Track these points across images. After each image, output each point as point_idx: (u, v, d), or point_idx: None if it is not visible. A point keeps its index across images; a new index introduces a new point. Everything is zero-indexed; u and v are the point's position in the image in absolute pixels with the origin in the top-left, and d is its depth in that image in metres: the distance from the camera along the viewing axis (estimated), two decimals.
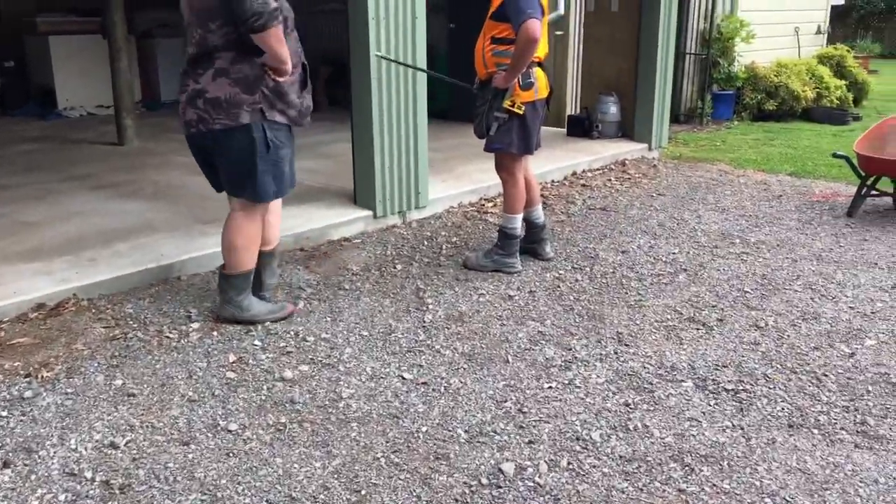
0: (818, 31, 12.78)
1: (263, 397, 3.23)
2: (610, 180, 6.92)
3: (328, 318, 3.98)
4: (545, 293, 4.38)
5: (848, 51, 12.39)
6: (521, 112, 4.38)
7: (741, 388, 3.36)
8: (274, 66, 3.45)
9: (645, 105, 7.67)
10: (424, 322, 3.96)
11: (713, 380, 3.42)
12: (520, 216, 4.63)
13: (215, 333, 3.78)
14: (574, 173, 6.97)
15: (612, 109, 7.88)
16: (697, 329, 3.94)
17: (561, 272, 4.70)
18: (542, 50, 4.41)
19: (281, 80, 3.49)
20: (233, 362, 3.51)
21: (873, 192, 6.05)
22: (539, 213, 4.85)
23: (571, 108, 9.27)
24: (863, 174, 5.96)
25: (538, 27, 4.09)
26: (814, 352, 3.70)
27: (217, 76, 3.45)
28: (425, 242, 5.18)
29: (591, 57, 8.19)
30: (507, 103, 4.36)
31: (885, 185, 6.24)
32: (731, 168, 7.73)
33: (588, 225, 5.67)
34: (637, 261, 4.93)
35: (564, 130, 8.36)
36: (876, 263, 4.93)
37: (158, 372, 3.42)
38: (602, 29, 8.02)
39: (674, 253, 5.09)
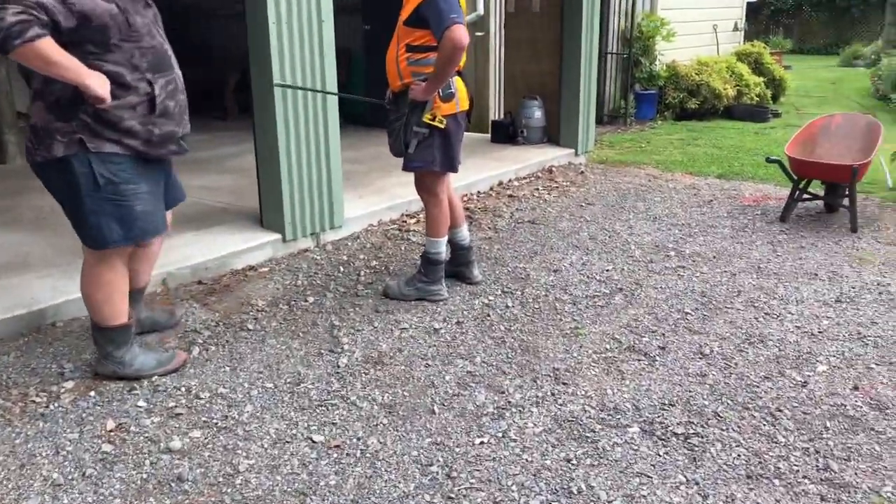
0: (735, 29, 12.81)
1: (145, 475, 2.71)
2: (538, 189, 6.57)
3: (227, 368, 3.47)
4: (474, 324, 3.97)
5: (764, 47, 12.45)
6: (442, 126, 3.96)
7: (692, 430, 3.01)
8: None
9: (570, 109, 7.36)
10: (339, 367, 3.49)
11: (661, 422, 3.07)
12: (444, 240, 4.21)
13: (92, 394, 3.22)
14: (501, 183, 6.60)
15: (537, 114, 7.54)
16: (639, 360, 3.59)
17: (490, 298, 4.30)
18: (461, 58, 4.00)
19: (102, 105, 2.81)
20: (111, 430, 2.97)
21: (805, 196, 5.87)
22: (464, 234, 4.44)
23: (495, 113, 8.92)
24: (795, 178, 5.76)
25: (464, 34, 3.67)
26: (765, 382, 3.39)
27: (35, 99, 2.87)
28: (341, 268, 4.70)
29: (514, 59, 7.84)
30: (426, 117, 3.93)
31: (816, 187, 6.08)
32: (658, 172, 7.49)
33: (517, 241, 5.29)
34: (570, 281, 4.57)
35: (489, 137, 7.98)
36: (816, 274, 4.70)
37: (18, 449, 2.85)
38: (523, 30, 7.67)
39: (608, 270, 4.75)
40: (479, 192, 6.34)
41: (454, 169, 4.13)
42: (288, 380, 3.37)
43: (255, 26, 4.54)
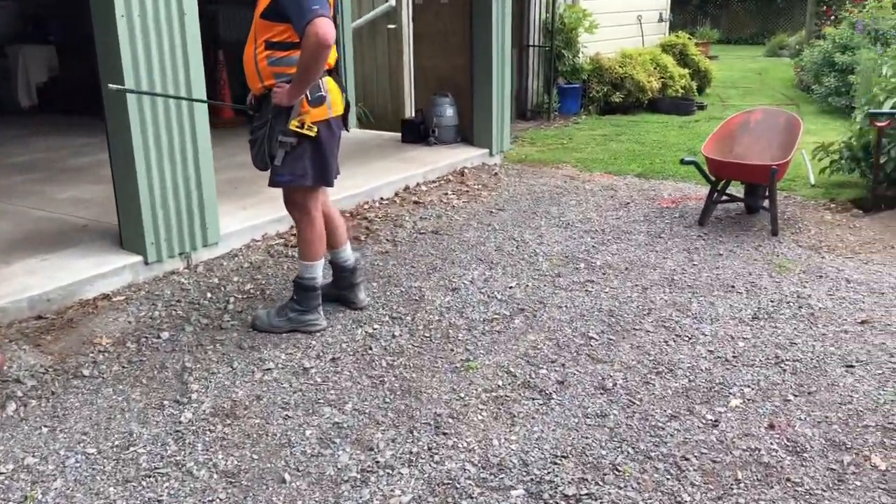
0: (660, 20, 12.55)
1: None
2: (446, 194, 6.09)
3: (44, 429, 2.90)
4: (352, 359, 3.47)
5: (689, 38, 12.22)
6: (313, 134, 3.44)
7: (584, 491, 2.58)
8: None
9: (483, 106, 6.90)
10: (181, 423, 2.95)
11: (550, 481, 2.62)
12: (319, 263, 3.69)
13: None
14: (407, 188, 6.10)
15: (449, 112, 7.06)
16: (533, 399, 3.15)
17: (376, 326, 3.80)
18: (331, 56, 3.48)
19: None
20: None
21: (724, 198, 5.53)
22: (347, 254, 3.93)
23: (411, 111, 8.42)
24: (713, 179, 5.41)
25: (329, 28, 3.16)
26: (671, 423, 2.98)
27: None
28: (209, 294, 4.15)
29: (424, 54, 7.34)
30: (293, 124, 3.40)
31: (736, 187, 5.75)
32: (577, 171, 7.10)
33: (416, 255, 4.80)
34: (469, 301, 4.11)
35: (400, 136, 7.46)
36: (733, 286, 4.34)
37: None
38: (433, 22, 7.18)
39: (511, 287, 4.31)
40: (382, 198, 5.84)
41: (329, 182, 3.62)
42: (116, 442, 2.82)
43: (101, 21, 3.94)
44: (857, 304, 4.09)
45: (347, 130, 3.79)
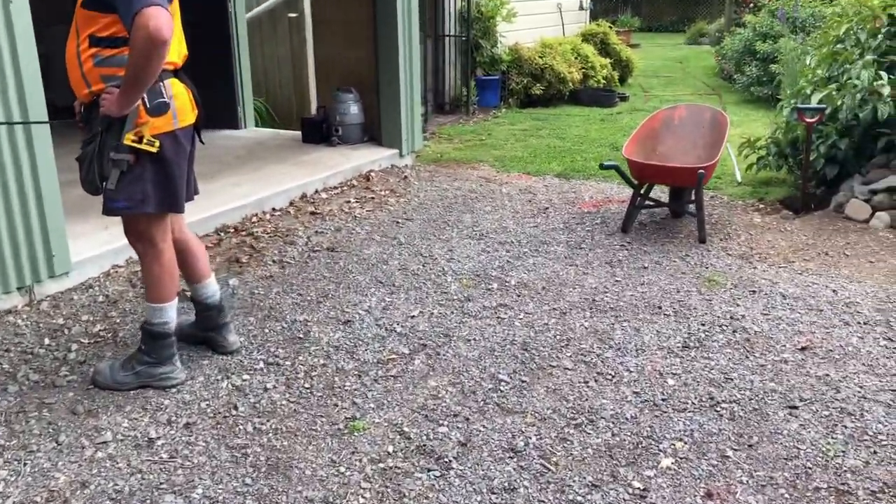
0: (581, 8, 12.14)
1: None
2: (349, 202, 5.47)
3: None
4: (211, 424, 2.84)
5: (610, 27, 11.85)
6: (154, 150, 2.79)
7: None
8: None
9: (390, 102, 6.29)
10: None
11: None
12: (172, 304, 3.04)
13: None
14: (304, 196, 5.45)
15: (353, 109, 6.43)
16: (429, 469, 2.59)
17: (246, 376, 3.18)
18: (175, 51, 2.83)
19: None
20: None
21: (648, 203, 5.08)
22: (211, 289, 3.29)
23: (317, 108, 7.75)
24: (636, 182, 4.95)
25: (164, 20, 2.50)
26: (592, 494, 2.47)
27: None
28: (49, 340, 3.44)
29: (326, 45, 6.67)
30: (128, 138, 2.74)
31: (663, 189, 5.32)
32: (494, 172, 6.57)
33: (306, 279, 4.18)
34: (362, 337, 3.52)
35: (301, 136, 6.79)
36: (660, 307, 3.87)
37: None
38: (334, 9, 6.52)
39: (413, 317, 3.74)
40: (274, 209, 5.18)
41: (177, 208, 2.96)
42: None
43: None
44: (794, 324, 3.68)
45: (202, 142, 3.13)
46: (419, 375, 3.20)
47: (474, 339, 3.51)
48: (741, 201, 5.75)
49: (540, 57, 9.97)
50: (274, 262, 4.38)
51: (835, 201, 5.35)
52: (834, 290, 4.07)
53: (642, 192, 5.00)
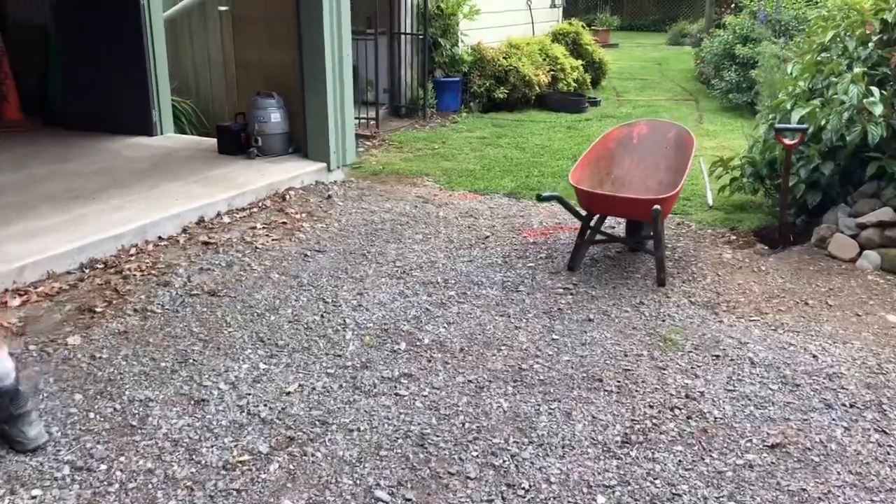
0: (552, 5, 11.34)
1: None
2: (254, 228, 4.66)
3: None
4: None
5: (583, 27, 11.07)
6: None
7: None
8: None
9: (316, 110, 5.48)
10: None
11: None
12: None
13: None
14: (202, 221, 4.64)
15: (275, 117, 5.61)
16: None
17: (37, 491, 2.38)
18: None
19: None
20: None
21: (600, 237, 4.31)
22: (3, 369, 2.49)
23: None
24: (584, 214, 4.18)
25: None
26: None
27: None
28: None
29: (247, 44, 5.83)
30: None
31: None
32: (437, 190, 5.77)
33: (168, 337, 3.37)
34: (213, 425, 2.73)
35: (217, 146, 5.96)
36: (600, 379, 3.10)
37: None
38: (255, 5, 5.68)
39: (288, 393, 2.95)
40: (160, 238, 4.36)
41: None
42: None
43: None
44: (765, 406, 2.92)
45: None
46: (271, 489, 2.41)
47: (359, 430, 2.73)
48: (711, 230, 4.99)
49: (504, 58, 9.17)
50: (136, 311, 3.56)
51: (816, 234, 4.61)
52: (814, 355, 3.32)
53: (592, 223, 4.22)
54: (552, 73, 9.65)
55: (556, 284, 4.04)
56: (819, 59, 4.85)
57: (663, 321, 3.65)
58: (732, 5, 11.81)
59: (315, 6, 5.23)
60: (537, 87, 9.26)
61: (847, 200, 4.67)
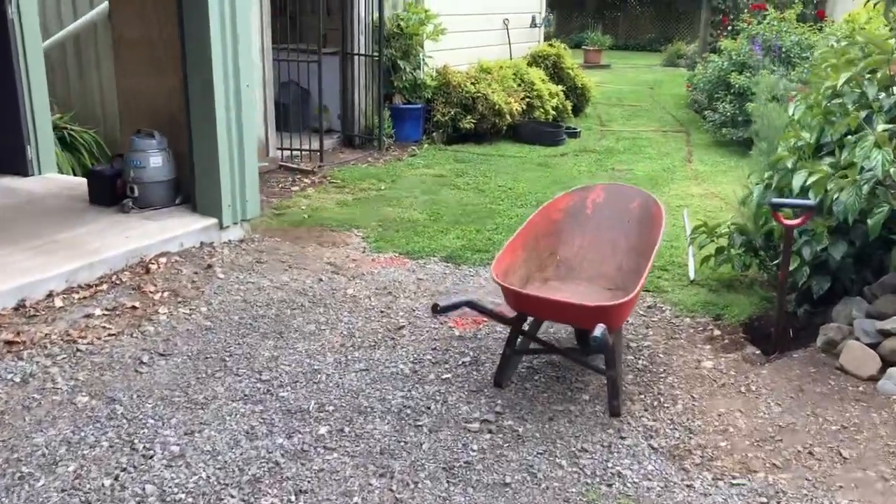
0: (533, 25, 10.25)
1: None
2: (89, 318, 3.53)
3: None
4: None
5: (565, 48, 9.96)
6: None
7: None
8: None
9: (205, 153, 4.38)
10: None
11: None
12: None
13: None
14: (22, 305, 3.52)
15: (156, 160, 4.49)
16: None
17: None
18: None
19: None
20: None
21: (534, 347, 3.18)
22: None
23: None
24: (514, 317, 3.06)
25: None
26: None
27: None
28: None
29: (128, 72, 4.71)
30: None
31: None
32: (359, 252, 4.66)
33: None
34: None
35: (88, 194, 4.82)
36: None
37: None
38: (136, 24, 4.58)
39: None
40: None
41: None
42: None
43: None
44: None
45: None
46: None
47: None
48: (689, 318, 3.88)
49: (472, 83, 8.07)
50: None
51: (824, 334, 3.49)
52: None
53: (526, 327, 3.11)
54: (528, 100, 8.55)
55: (472, 413, 2.92)
56: (829, 107, 3.73)
57: (610, 486, 2.54)
58: (729, 27, 10.72)
59: (201, 25, 4.13)
60: (509, 117, 8.15)
61: (864, 292, 3.55)
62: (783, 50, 8.26)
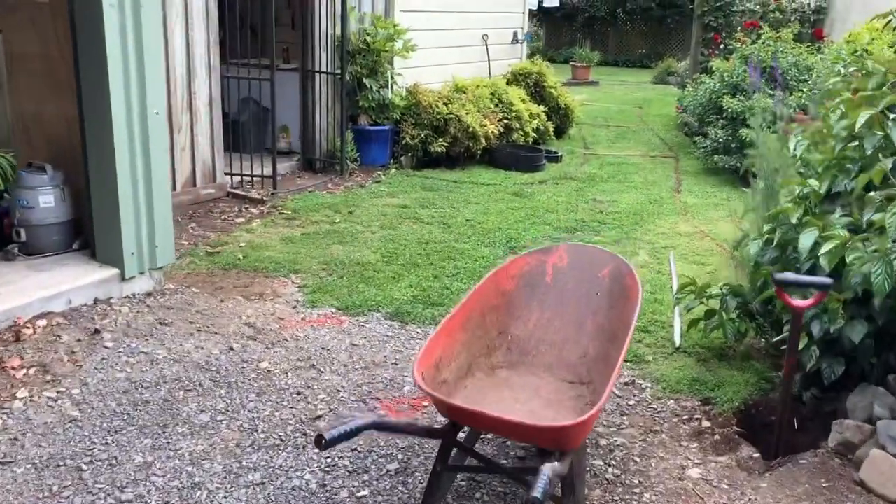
0: (515, 41, 9.58)
1: None
2: None
3: None
4: None
5: (547, 66, 9.29)
6: None
7: None
8: None
9: (103, 190, 3.66)
10: None
11: None
12: None
13: None
14: None
15: (47, 199, 3.76)
16: None
17: None
18: None
19: None
20: None
21: (472, 461, 2.46)
22: None
23: None
24: (445, 426, 2.34)
25: None
26: None
27: None
28: None
29: (22, 93, 3.99)
30: None
31: None
32: (290, 306, 3.94)
33: None
34: None
35: None
36: None
37: None
38: (30, 39, 3.86)
39: None
40: None
41: None
42: None
43: None
44: None
45: None
46: None
47: None
48: (673, 402, 3.19)
49: (444, 104, 7.38)
50: None
51: (837, 433, 2.80)
52: None
53: (462, 437, 2.40)
54: (506, 121, 7.87)
55: None
56: (844, 152, 3.04)
57: None
58: (721, 46, 10.07)
59: (94, 37, 3.41)
60: (484, 140, 7.46)
61: (888, 381, 2.87)
62: (781, 71, 7.60)
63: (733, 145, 7.31)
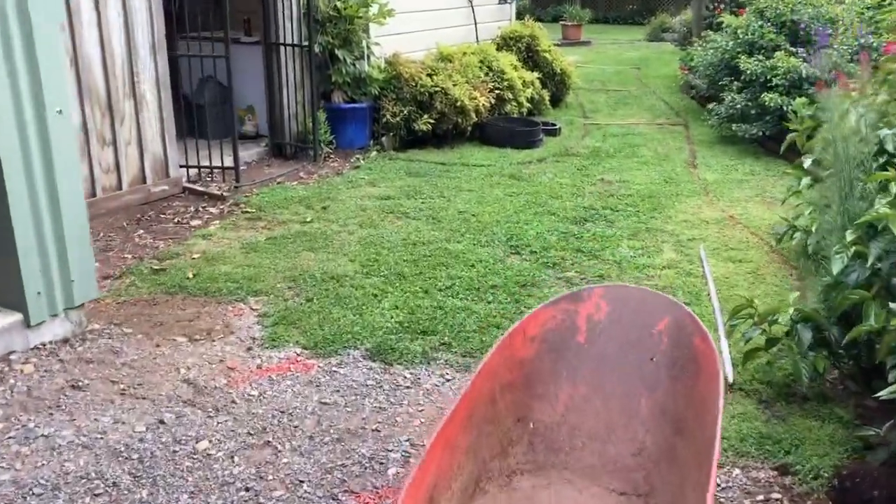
0: (503, 0, 8.61)
1: None
2: None
3: None
4: None
5: (540, 27, 8.37)
6: None
7: None
8: None
9: None
10: None
11: None
12: None
13: None
14: None
15: None
16: None
17: None
18: None
19: None
20: None
21: None
22: None
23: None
24: None
25: None
26: None
27: None
28: None
29: None
30: None
31: None
32: (240, 351, 3.12)
33: None
34: None
35: None
36: None
37: None
38: None
39: None
40: None
41: None
42: None
43: None
44: None
45: None
46: None
47: None
48: (739, 471, 2.41)
49: (429, 75, 6.49)
50: None
51: None
52: None
53: None
54: (497, 92, 6.98)
55: None
56: None
57: None
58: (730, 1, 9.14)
59: None
60: (474, 114, 6.59)
61: None
62: (803, 24, 6.72)
63: (753, 111, 6.46)
